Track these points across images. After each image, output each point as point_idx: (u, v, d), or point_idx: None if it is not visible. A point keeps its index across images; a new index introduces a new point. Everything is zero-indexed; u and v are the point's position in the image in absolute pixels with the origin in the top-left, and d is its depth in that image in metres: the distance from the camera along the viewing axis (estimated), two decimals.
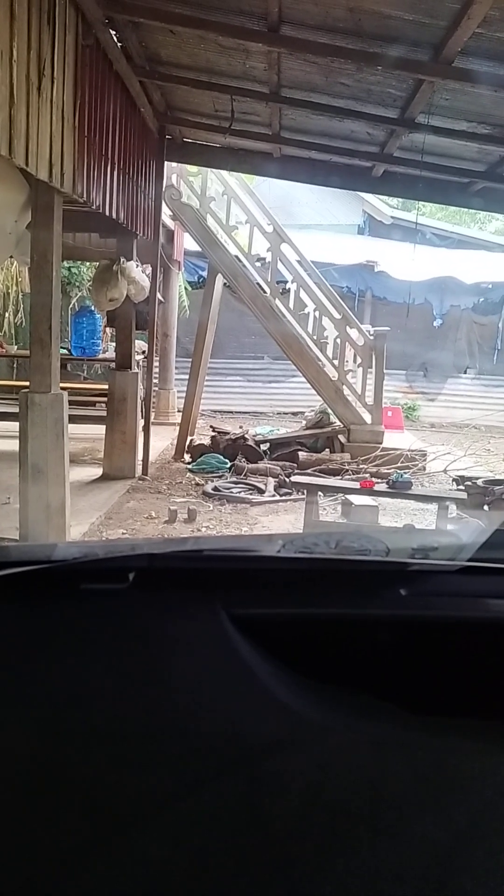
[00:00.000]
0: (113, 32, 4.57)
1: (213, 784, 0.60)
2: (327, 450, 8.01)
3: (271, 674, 0.72)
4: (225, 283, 8.48)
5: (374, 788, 0.61)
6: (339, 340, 8.33)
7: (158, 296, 7.47)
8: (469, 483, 5.60)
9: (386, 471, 6.71)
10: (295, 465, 7.25)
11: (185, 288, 11.10)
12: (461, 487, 5.85)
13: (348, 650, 0.81)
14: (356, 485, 5.43)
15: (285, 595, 0.85)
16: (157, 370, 8.74)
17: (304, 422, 9.08)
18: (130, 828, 0.56)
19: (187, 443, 7.87)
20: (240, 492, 6.43)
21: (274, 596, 0.85)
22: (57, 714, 0.66)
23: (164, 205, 7.17)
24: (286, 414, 11.39)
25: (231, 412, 11.47)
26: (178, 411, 9.21)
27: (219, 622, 0.77)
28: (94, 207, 4.68)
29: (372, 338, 8.29)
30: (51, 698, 0.68)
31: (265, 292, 8.12)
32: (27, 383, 4.23)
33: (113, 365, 7.15)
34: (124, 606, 0.80)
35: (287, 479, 6.67)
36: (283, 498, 6.38)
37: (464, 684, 0.80)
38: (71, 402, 4.50)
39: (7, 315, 9.98)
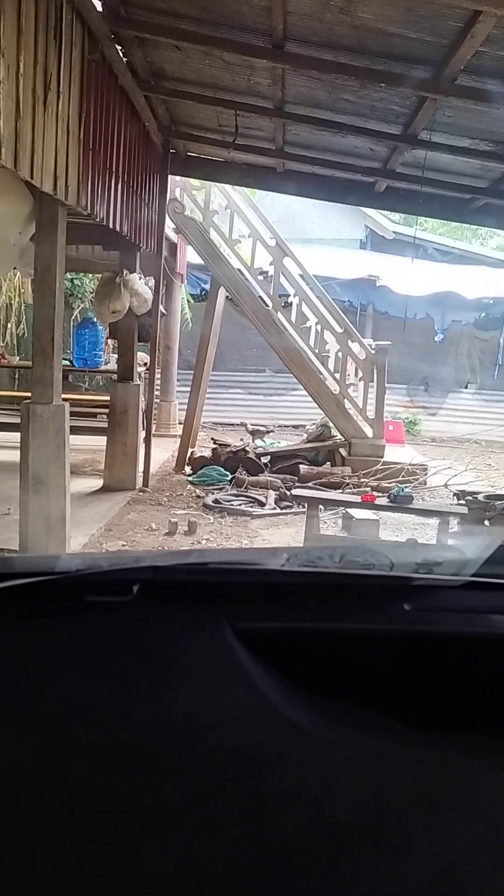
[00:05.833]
0: (119, 48, 4.62)
1: (216, 798, 0.59)
2: (328, 463, 8.01)
3: (275, 688, 0.72)
4: (227, 297, 8.50)
5: (378, 804, 0.60)
6: (340, 354, 8.34)
7: (161, 308, 7.48)
8: (470, 498, 5.59)
9: (387, 485, 6.71)
10: (296, 478, 7.24)
11: (188, 301, 11.15)
12: (462, 502, 5.85)
13: (352, 665, 0.80)
14: (357, 498, 5.42)
15: (289, 609, 0.85)
16: (158, 382, 8.76)
17: (305, 435, 9.09)
18: (133, 842, 0.55)
19: (188, 455, 7.87)
20: (240, 504, 6.42)
21: (278, 610, 0.84)
22: (60, 726, 0.66)
23: (167, 218, 7.21)
24: (287, 427, 11.39)
25: (232, 424, 11.47)
26: (180, 423, 9.22)
27: (222, 635, 0.76)
28: (97, 220, 4.71)
29: (373, 352, 8.30)
30: (53, 710, 0.68)
31: (267, 306, 8.14)
32: (29, 394, 4.24)
33: (115, 376, 7.16)
34: (128, 619, 0.80)
35: (288, 492, 6.66)
36: (284, 511, 6.37)
37: (467, 700, 0.79)
38: (72, 414, 4.51)
39: (9, 326, 10.01)
